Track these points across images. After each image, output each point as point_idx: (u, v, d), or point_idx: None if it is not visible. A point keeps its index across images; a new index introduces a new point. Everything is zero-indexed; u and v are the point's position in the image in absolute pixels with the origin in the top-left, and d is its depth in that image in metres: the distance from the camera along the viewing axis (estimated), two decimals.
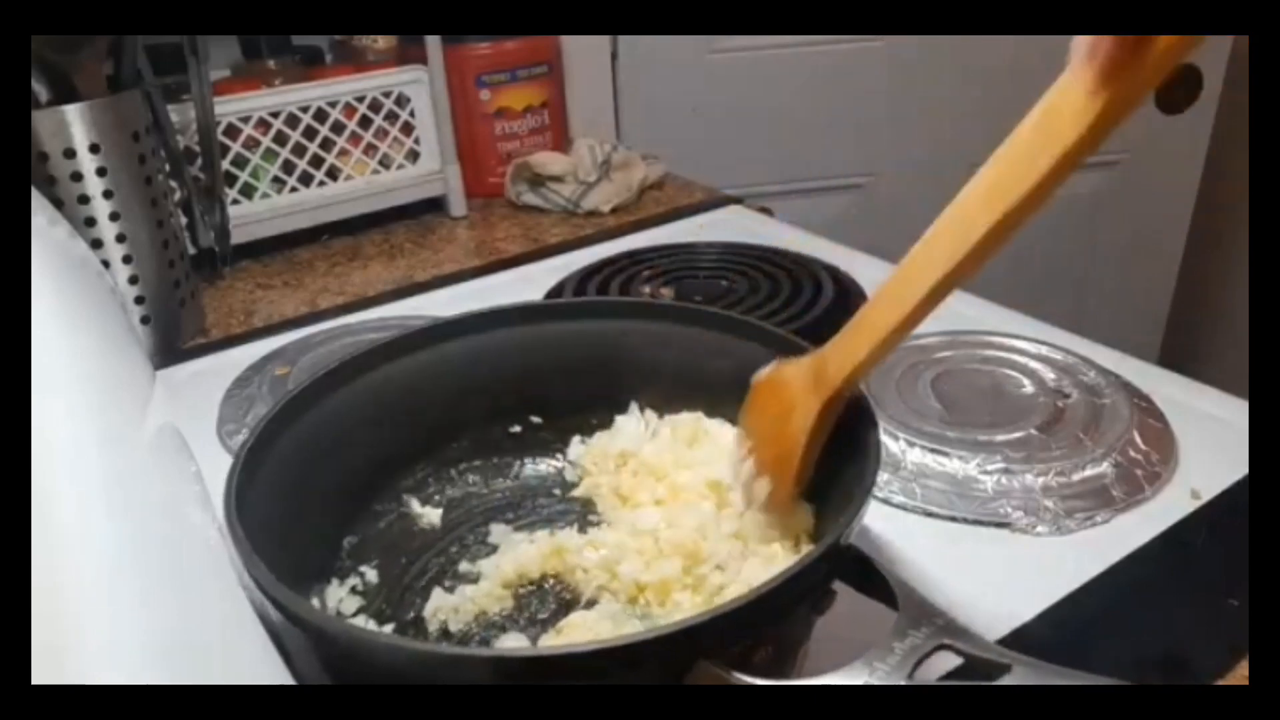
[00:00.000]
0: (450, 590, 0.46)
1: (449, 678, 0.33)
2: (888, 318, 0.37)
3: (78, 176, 0.71)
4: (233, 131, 0.91)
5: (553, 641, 0.42)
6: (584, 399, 0.54)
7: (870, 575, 0.36)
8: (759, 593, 0.33)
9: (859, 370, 0.39)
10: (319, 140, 0.95)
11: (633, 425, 0.52)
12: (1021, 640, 0.43)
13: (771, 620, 0.34)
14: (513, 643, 0.43)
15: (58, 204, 0.69)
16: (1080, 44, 0.29)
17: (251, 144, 0.92)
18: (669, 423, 0.52)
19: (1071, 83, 0.30)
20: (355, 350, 0.50)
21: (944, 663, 0.34)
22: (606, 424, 0.54)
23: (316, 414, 0.47)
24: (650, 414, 0.53)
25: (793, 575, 0.34)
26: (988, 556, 0.49)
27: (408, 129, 0.99)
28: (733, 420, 0.53)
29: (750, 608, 0.32)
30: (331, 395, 0.48)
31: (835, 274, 0.79)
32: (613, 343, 0.54)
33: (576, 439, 0.54)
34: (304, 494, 0.45)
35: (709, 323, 0.52)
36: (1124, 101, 0.29)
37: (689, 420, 0.52)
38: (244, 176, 0.93)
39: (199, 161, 0.87)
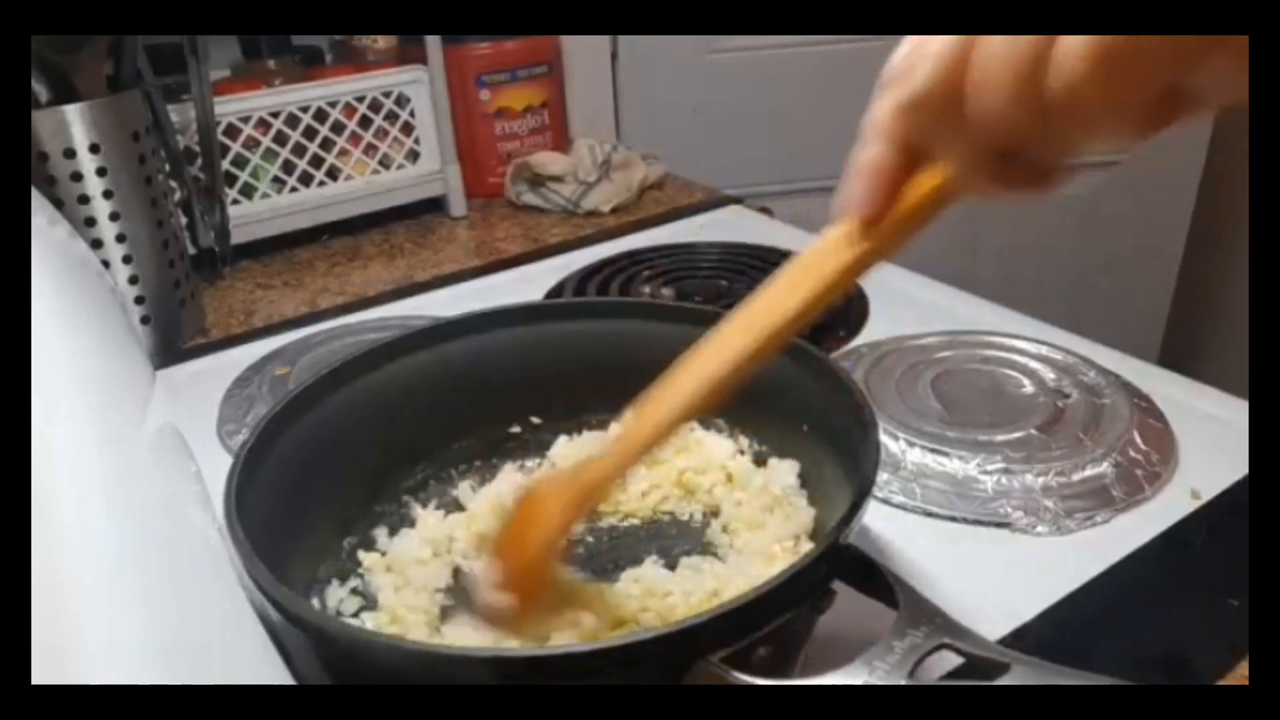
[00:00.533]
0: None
1: (448, 677, 0.33)
2: (642, 433, 0.38)
3: (78, 176, 0.71)
4: (233, 131, 0.91)
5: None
6: (583, 399, 0.55)
7: (870, 575, 0.36)
8: (758, 593, 0.33)
9: (608, 478, 0.39)
10: (319, 140, 0.95)
11: (617, 431, 0.53)
12: (1021, 640, 0.43)
13: (771, 620, 0.34)
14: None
15: (58, 204, 0.69)
16: (842, 200, 0.33)
17: (251, 144, 0.92)
18: None
19: (838, 231, 0.33)
20: (355, 350, 0.50)
21: (944, 662, 0.34)
22: (604, 425, 0.54)
23: (317, 414, 0.47)
24: None
25: (792, 575, 0.34)
26: (988, 556, 0.49)
27: (408, 129, 0.99)
28: (732, 421, 0.53)
29: (750, 607, 0.33)
30: (332, 395, 0.48)
31: None
32: (612, 343, 0.54)
33: (563, 438, 0.54)
34: (304, 494, 0.45)
35: (709, 322, 0.52)
36: (875, 252, 0.33)
37: (682, 429, 0.52)
38: (244, 176, 0.93)
39: (199, 161, 0.87)
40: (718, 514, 0.50)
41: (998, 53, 0.26)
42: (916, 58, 0.28)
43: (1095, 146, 0.26)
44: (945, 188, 0.31)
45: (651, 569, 0.45)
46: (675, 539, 0.50)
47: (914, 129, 0.30)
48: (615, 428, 0.40)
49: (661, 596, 0.43)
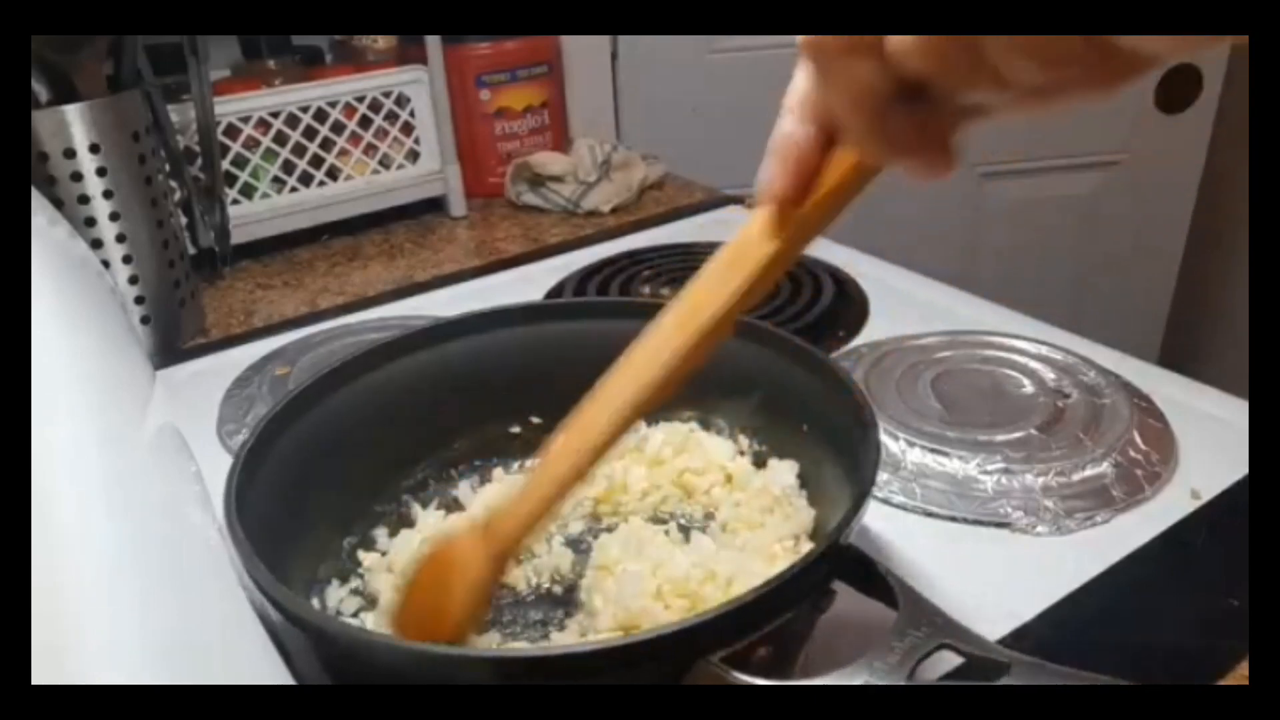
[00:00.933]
0: None
1: (449, 678, 0.33)
2: (561, 469, 0.36)
3: (78, 176, 0.71)
4: (233, 131, 0.91)
5: None
6: (583, 400, 0.55)
7: (870, 575, 0.36)
8: (758, 593, 0.33)
9: (529, 524, 0.37)
10: (319, 140, 0.95)
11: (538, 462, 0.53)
12: (1021, 640, 0.43)
13: (771, 620, 0.34)
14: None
15: (58, 204, 0.69)
16: (762, 183, 0.32)
17: (251, 144, 0.92)
18: (662, 429, 0.53)
19: (761, 216, 0.33)
20: (355, 350, 0.50)
21: (944, 662, 0.34)
22: None
23: (317, 414, 0.47)
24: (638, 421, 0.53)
25: (792, 575, 0.34)
26: (988, 556, 0.49)
27: (408, 129, 0.99)
28: (733, 422, 0.53)
29: (749, 608, 0.32)
30: (332, 395, 0.48)
31: (835, 274, 0.79)
32: (613, 343, 0.54)
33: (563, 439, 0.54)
34: (304, 494, 0.45)
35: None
36: (799, 239, 0.32)
37: (682, 430, 0.53)
38: (244, 176, 0.93)
39: (199, 161, 0.87)
40: (716, 515, 0.50)
41: None
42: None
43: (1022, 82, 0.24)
44: (864, 162, 0.30)
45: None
46: None
47: (822, 66, 0.28)
48: (533, 462, 0.38)
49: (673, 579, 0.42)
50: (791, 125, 0.30)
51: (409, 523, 0.50)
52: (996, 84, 0.24)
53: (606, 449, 0.36)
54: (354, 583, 0.46)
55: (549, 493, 0.36)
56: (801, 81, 0.29)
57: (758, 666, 0.33)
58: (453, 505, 0.52)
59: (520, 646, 0.43)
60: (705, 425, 0.54)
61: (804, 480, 0.49)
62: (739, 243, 0.34)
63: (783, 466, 0.50)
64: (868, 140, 0.27)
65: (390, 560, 0.48)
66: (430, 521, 0.50)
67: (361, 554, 0.48)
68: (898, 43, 0.24)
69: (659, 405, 0.35)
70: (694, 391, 0.51)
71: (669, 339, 0.35)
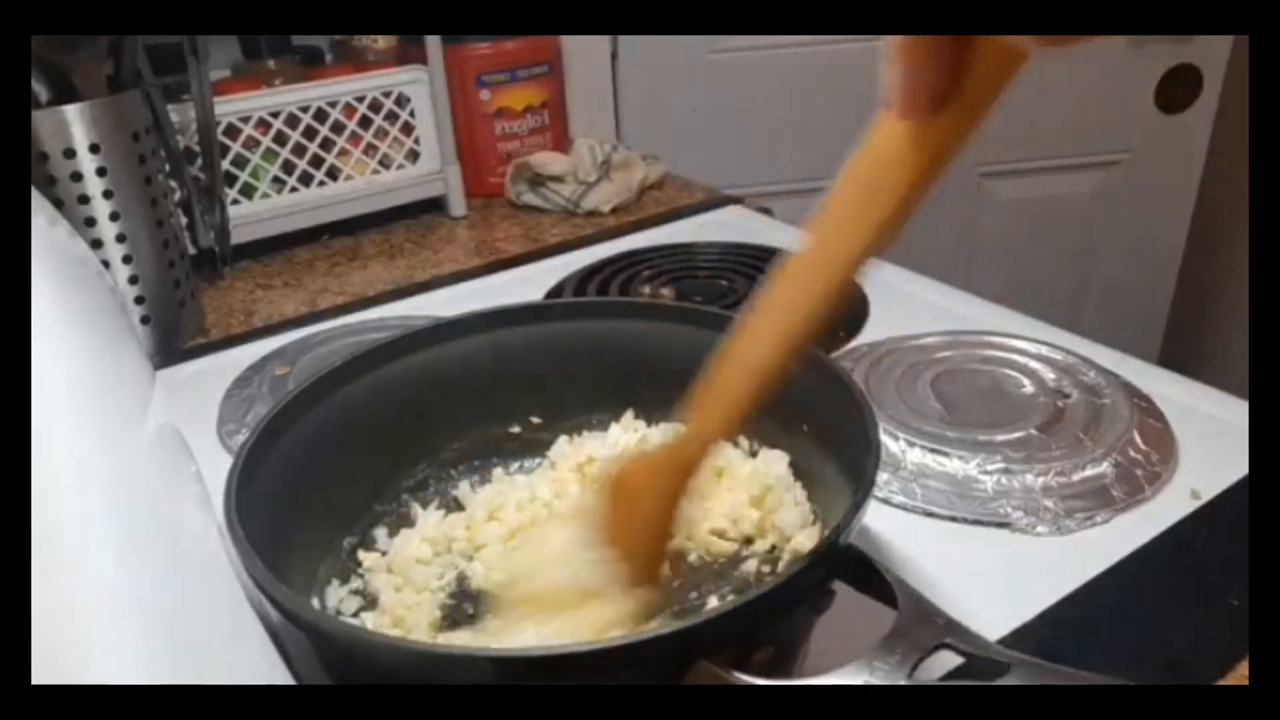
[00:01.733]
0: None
1: (448, 677, 0.33)
2: (717, 410, 0.36)
3: (78, 176, 0.71)
4: (233, 131, 0.91)
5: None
6: (584, 399, 0.55)
7: (870, 575, 0.36)
8: (757, 594, 0.33)
9: (714, 438, 0.37)
10: (319, 140, 0.95)
11: (617, 433, 0.53)
12: (1022, 640, 0.43)
13: (771, 621, 0.34)
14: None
15: (58, 204, 0.70)
16: (894, 82, 0.27)
17: (251, 144, 0.92)
18: (662, 430, 0.53)
19: (886, 131, 0.28)
20: (356, 350, 0.50)
21: (944, 662, 0.34)
22: (604, 425, 0.54)
23: (317, 414, 0.47)
24: (639, 421, 0.54)
25: (792, 576, 0.34)
26: (988, 556, 0.49)
27: (408, 129, 0.99)
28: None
29: (748, 608, 0.32)
30: (332, 395, 0.48)
31: None
32: (613, 343, 0.54)
33: (563, 438, 0.54)
34: (304, 494, 0.45)
35: (711, 323, 0.52)
36: (939, 157, 0.27)
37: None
38: (244, 176, 0.93)
39: (199, 161, 0.87)
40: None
41: None
42: None
43: None
44: (1008, 52, 0.25)
45: None
46: None
47: None
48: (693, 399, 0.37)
49: None
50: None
51: (409, 522, 0.50)
52: None
53: (752, 395, 0.35)
54: (354, 583, 0.46)
55: (726, 411, 0.36)
56: None
57: (758, 667, 0.33)
58: (453, 505, 0.52)
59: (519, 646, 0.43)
60: None
61: (806, 481, 0.49)
62: (869, 163, 0.29)
63: (773, 456, 0.50)
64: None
65: (390, 560, 0.48)
66: (431, 521, 0.50)
67: (361, 554, 0.48)
68: None
69: (812, 335, 0.34)
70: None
71: (815, 267, 0.33)
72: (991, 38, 0.25)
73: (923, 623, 0.33)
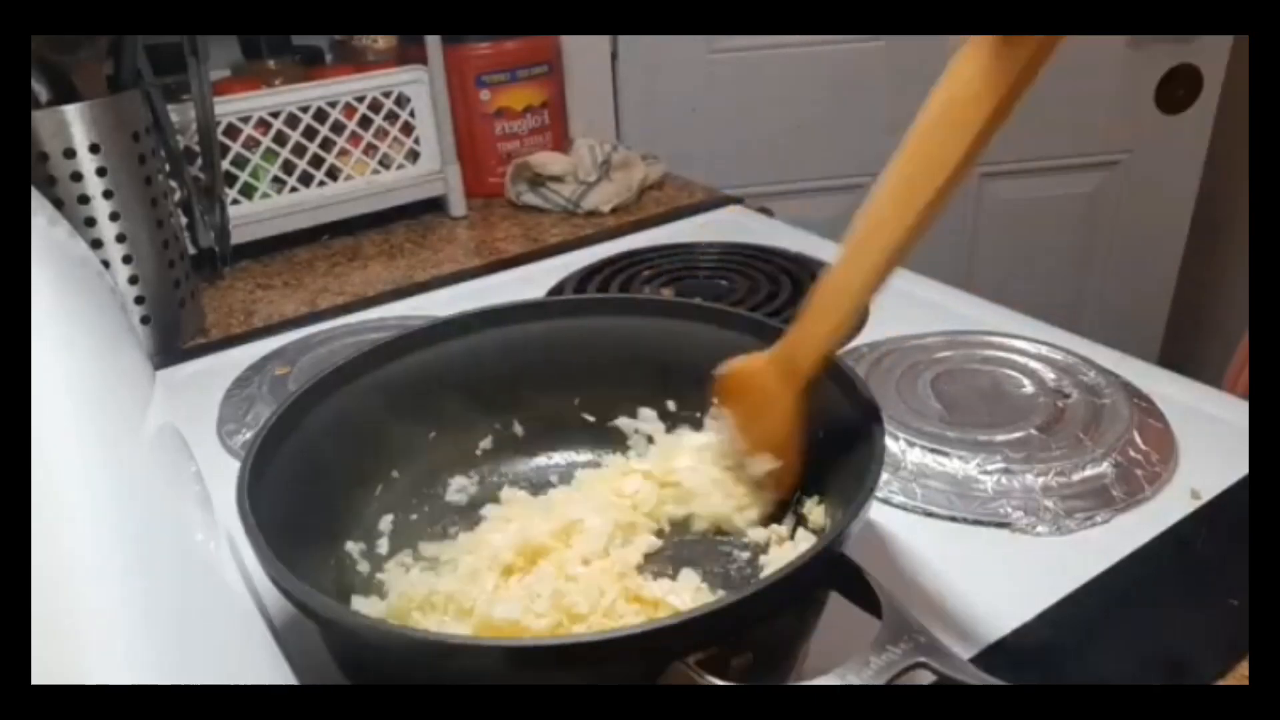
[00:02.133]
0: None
1: (426, 666, 0.33)
2: (843, 302, 0.41)
3: (78, 176, 0.71)
4: (233, 131, 0.91)
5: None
6: (586, 397, 0.55)
7: (860, 584, 0.36)
8: (736, 598, 0.32)
9: (827, 355, 0.43)
10: (319, 140, 0.95)
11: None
12: (1022, 640, 0.43)
13: (752, 625, 0.34)
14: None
15: (58, 204, 0.70)
16: None
17: (251, 144, 0.92)
18: (677, 434, 0.53)
19: (970, 60, 0.31)
20: (359, 350, 0.50)
21: (920, 680, 0.33)
22: (605, 423, 0.54)
23: (320, 414, 0.47)
24: (647, 421, 0.54)
25: (774, 582, 0.33)
26: (988, 556, 0.49)
27: (408, 129, 0.99)
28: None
29: (725, 611, 0.32)
30: (334, 395, 0.48)
31: None
32: (614, 340, 0.54)
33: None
34: (308, 494, 0.45)
35: (713, 320, 0.52)
36: (1021, 80, 0.30)
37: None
38: (244, 176, 0.93)
39: (199, 161, 0.87)
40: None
41: None
42: None
43: None
44: None
45: None
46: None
47: None
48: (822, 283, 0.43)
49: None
50: None
51: (410, 522, 0.50)
52: None
53: (866, 298, 0.41)
54: (357, 581, 0.46)
55: (836, 325, 0.42)
56: None
57: (737, 671, 0.33)
58: (452, 508, 0.52)
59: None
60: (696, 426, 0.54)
61: (816, 483, 0.49)
62: (954, 94, 0.33)
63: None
64: None
65: (391, 559, 0.48)
66: (431, 521, 0.50)
67: (362, 553, 0.48)
68: None
69: (908, 253, 0.38)
70: (701, 390, 0.52)
71: (919, 179, 0.36)
72: None
73: (903, 639, 0.32)
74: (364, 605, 0.44)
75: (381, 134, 0.98)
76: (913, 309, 0.74)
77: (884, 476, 0.54)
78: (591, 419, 0.55)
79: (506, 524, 0.48)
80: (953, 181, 0.36)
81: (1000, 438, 0.56)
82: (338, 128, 0.96)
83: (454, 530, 0.50)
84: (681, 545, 0.49)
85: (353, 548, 0.47)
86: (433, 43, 0.97)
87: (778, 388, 0.44)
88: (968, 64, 0.32)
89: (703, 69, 1.31)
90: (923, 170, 0.36)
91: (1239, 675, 0.41)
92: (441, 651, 0.33)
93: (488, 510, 0.50)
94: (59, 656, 0.21)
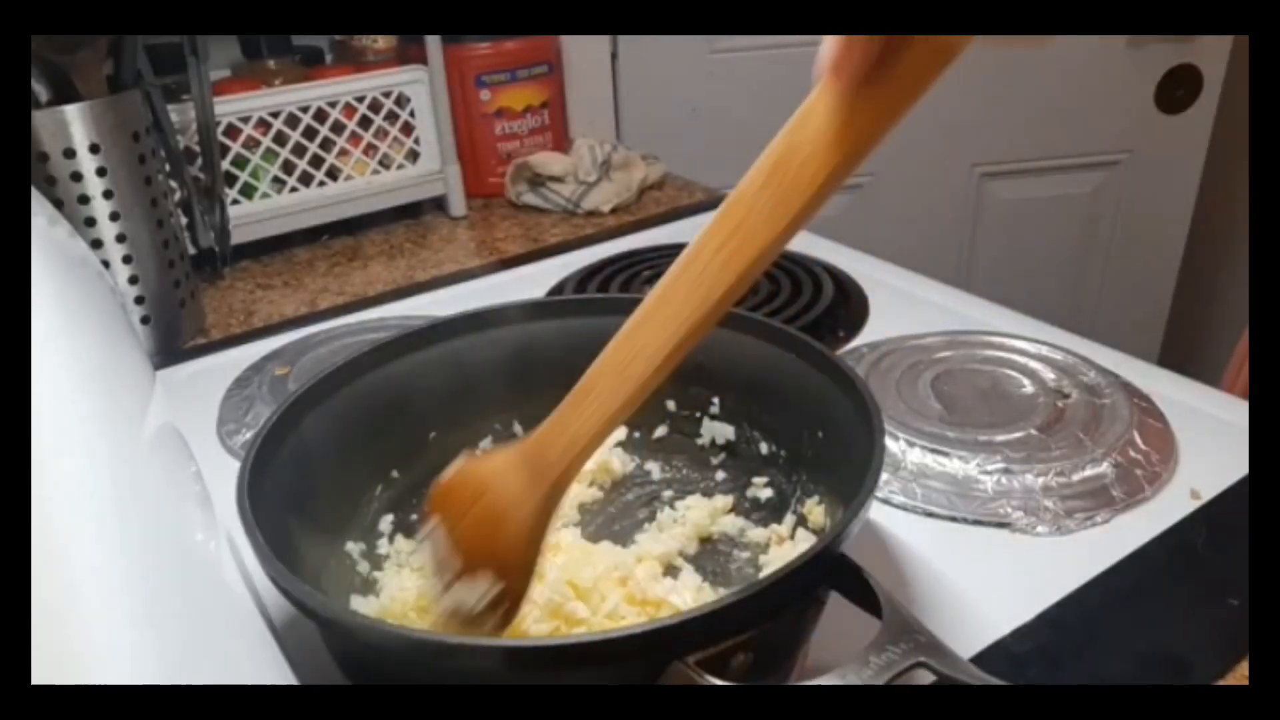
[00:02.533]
0: None
1: (427, 667, 0.33)
2: (627, 381, 0.33)
3: (78, 176, 0.71)
4: (233, 131, 0.91)
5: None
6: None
7: (860, 585, 0.36)
8: (735, 598, 0.32)
9: (586, 449, 0.35)
10: (319, 140, 0.95)
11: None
12: (1022, 640, 0.43)
13: (751, 625, 0.34)
14: None
15: (58, 204, 0.70)
16: (827, 53, 0.26)
17: (251, 144, 0.92)
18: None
19: (819, 104, 0.27)
20: (359, 350, 0.50)
21: (920, 680, 0.33)
22: None
23: (320, 414, 0.47)
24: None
25: (772, 583, 0.33)
26: (988, 556, 0.49)
27: (408, 129, 0.99)
28: (744, 417, 0.53)
29: (725, 611, 0.32)
30: (334, 395, 0.48)
31: (835, 274, 0.79)
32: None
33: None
34: (308, 494, 0.45)
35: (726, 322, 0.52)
36: (866, 135, 0.26)
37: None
38: (244, 176, 0.93)
39: (199, 161, 0.87)
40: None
41: None
42: None
43: None
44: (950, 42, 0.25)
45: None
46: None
47: None
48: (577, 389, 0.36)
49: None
50: None
51: (411, 521, 0.50)
52: None
53: (659, 377, 0.33)
54: (357, 581, 0.46)
55: (597, 422, 0.34)
56: None
57: (736, 671, 0.33)
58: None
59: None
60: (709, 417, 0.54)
61: (815, 483, 0.49)
62: (793, 141, 0.28)
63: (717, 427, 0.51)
64: None
65: (392, 559, 0.48)
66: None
67: (362, 553, 0.48)
68: None
69: (703, 336, 0.32)
70: (705, 388, 0.52)
71: (723, 262, 0.31)
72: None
73: (903, 639, 0.32)
74: (364, 605, 0.44)
75: (381, 134, 0.98)
76: (913, 309, 0.74)
77: (884, 476, 0.54)
78: None
79: None
80: (781, 241, 0.30)
81: (1000, 438, 0.56)
82: (338, 128, 0.96)
83: None
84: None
85: (353, 548, 0.47)
86: (433, 43, 0.97)
87: (521, 490, 0.36)
88: (814, 113, 0.28)
89: (703, 69, 1.31)
90: (741, 232, 0.31)
91: (1239, 675, 0.41)
92: (441, 651, 0.33)
93: None
94: (59, 657, 0.21)
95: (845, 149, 0.27)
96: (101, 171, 0.71)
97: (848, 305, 0.75)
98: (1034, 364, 0.64)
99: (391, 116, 0.98)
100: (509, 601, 0.37)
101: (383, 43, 1.03)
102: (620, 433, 0.54)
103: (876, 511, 0.52)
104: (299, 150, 0.94)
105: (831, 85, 0.27)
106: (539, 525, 0.36)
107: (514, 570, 0.37)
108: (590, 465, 0.51)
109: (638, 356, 0.33)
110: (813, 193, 0.28)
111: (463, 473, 0.39)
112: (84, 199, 0.71)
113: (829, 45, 0.26)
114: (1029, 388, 0.61)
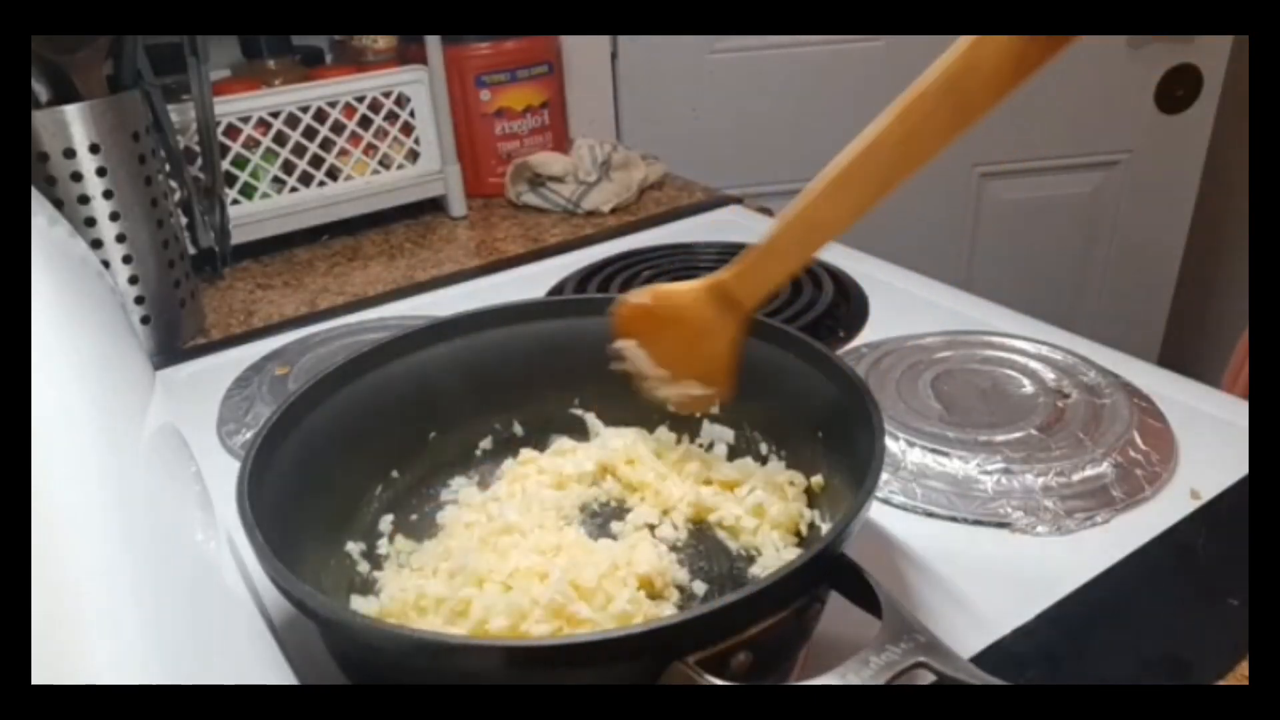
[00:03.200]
0: None
1: (427, 666, 0.33)
2: (812, 239, 0.41)
3: (78, 176, 0.71)
4: (233, 131, 0.91)
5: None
6: (588, 396, 0.55)
7: (860, 585, 0.36)
8: (735, 597, 0.32)
9: (771, 293, 0.43)
10: (319, 140, 0.95)
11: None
12: (1022, 640, 0.43)
13: (751, 625, 0.34)
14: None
15: (58, 204, 0.70)
16: None
17: (251, 144, 0.92)
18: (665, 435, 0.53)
19: (989, 39, 0.31)
20: (358, 350, 0.50)
21: (920, 680, 0.33)
22: (606, 423, 0.54)
23: (320, 414, 0.47)
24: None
25: (773, 583, 0.33)
26: (988, 556, 0.49)
27: (408, 129, 0.99)
28: (743, 420, 0.53)
29: (726, 611, 0.32)
30: (334, 396, 0.48)
31: (835, 274, 0.79)
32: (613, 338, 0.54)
33: (565, 439, 0.54)
34: (308, 495, 0.45)
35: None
36: (1046, 53, 0.30)
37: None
38: (244, 176, 0.93)
39: (199, 161, 0.87)
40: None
41: None
42: None
43: None
44: None
45: None
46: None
47: None
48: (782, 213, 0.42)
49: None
50: None
51: (411, 521, 0.50)
52: None
53: (827, 245, 0.40)
54: (357, 581, 0.46)
55: (789, 265, 0.42)
56: None
57: (737, 672, 0.33)
58: (455, 504, 0.52)
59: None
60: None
61: (818, 484, 0.49)
62: (971, 61, 0.32)
63: (716, 429, 0.52)
64: None
65: (393, 558, 0.48)
66: (433, 519, 0.50)
67: (362, 553, 0.48)
68: None
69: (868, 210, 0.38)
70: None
71: (897, 161, 0.36)
72: None
73: (903, 639, 0.32)
74: (364, 605, 0.44)
75: (381, 134, 0.98)
76: (913, 309, 0.74)
77: (884, 476, 0.54)
78: (591, 418, 0.55)
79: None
80: (943, 146, 0.35)
81: (1000, 438, 0.56)
82: (338, 128, 0.96)
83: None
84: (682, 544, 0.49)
85: (353, 548, 0.47)
86: (433, 43, 0.97)
87: (717, 319, 0.44)
88: (986, 43, 0.32)
89: (703, 69, 1.31)
90: (922, 133, 0.35)
91: (1239, 675, 0.41)
92: (441, 651, 0.33)
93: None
94: (59, 656, 0.21)
95: (1021, 73, 0.31)
96: (101, 171, 0.71)
97: (848, 305, 0.75)
98: (1034, 364, 0.64)
99: (391, 116, 0.98)
100: (718, 397, 0.47)
101: (383, 43, 1.03)
102: (620, 436, 0.53)
103: (876, 511, 0.52)
104: (299, 150, 0.94)
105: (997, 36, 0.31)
106: (734, 346, 0.45)
107: (717, 377, 0.46)
108: (591, 466, 0.52)
109: (818, 228, 0.40)
110: (988, 107, 0.33)
111: (652, 303, 0.46)
112: (84, 199, 0.72)
113: None
114: (1029, 388, 0.61)
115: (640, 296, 0.46)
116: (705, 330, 0.44)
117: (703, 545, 0.48)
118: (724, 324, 0.44)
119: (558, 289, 0.82)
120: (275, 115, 0.92)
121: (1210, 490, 0.52)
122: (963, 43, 0.33)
